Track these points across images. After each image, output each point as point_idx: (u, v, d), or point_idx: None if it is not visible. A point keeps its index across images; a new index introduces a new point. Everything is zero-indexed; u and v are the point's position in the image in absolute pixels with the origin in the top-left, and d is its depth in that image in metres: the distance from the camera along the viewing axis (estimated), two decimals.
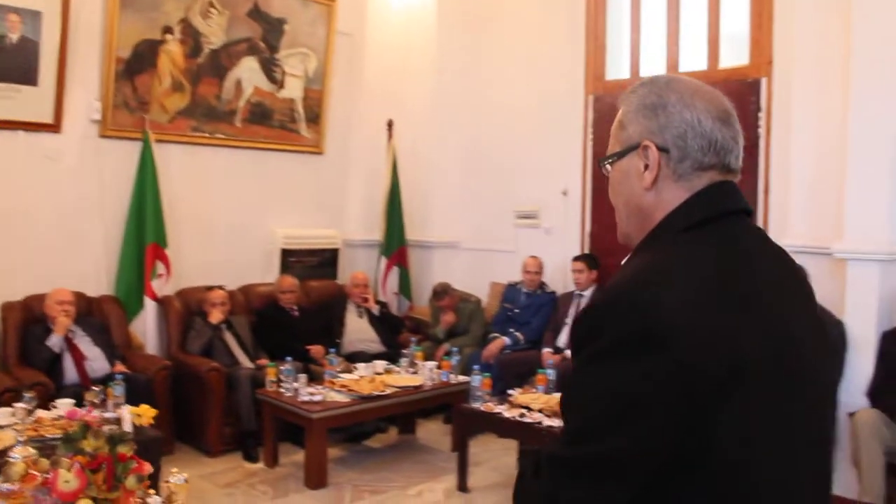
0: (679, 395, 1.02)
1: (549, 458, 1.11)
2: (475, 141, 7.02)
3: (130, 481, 2.68)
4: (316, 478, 4.60)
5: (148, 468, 2.91)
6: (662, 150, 1.21)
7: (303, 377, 4.88)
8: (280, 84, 6.35)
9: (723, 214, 1.19)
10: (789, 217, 4.97)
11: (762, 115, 5.28)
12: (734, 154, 1.22)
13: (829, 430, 1.25)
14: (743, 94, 5.35)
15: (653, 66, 5.96)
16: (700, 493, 1.05)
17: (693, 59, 5.72)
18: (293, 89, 6.44)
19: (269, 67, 6.25)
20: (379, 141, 6.95)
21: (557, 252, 6.52)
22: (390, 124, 6.86)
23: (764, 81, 5.29)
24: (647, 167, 1.22)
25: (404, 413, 5.53)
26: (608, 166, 1.31)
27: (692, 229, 1.17)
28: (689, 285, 1.07)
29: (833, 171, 4.70)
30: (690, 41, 5.75)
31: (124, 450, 2.70)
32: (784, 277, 1.22)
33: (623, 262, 1.27)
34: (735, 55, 5.51)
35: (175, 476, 2.90)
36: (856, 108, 4.48)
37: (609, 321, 1.07)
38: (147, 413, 3.04)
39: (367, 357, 5.76)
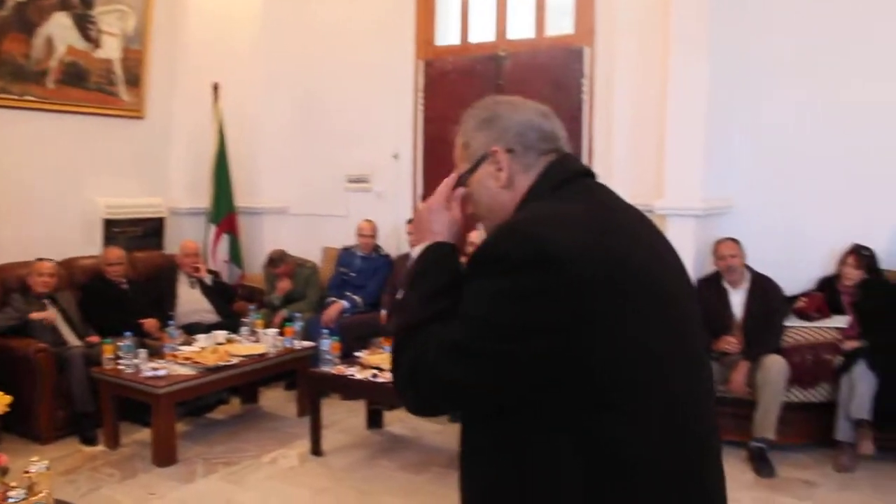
0: (572, 306, 1.17)
1: (449, 343, 1.22)
2: (304, 105, 6.94)
3: None
4: (165, 455, 4.46)
5: (6, 459, 2.74)
6: (508, 151, 1.40)
7: (143, 352, 4.69)
8: (96, 43, 5.92)
9: (574, 175, 1.40)
10: (612, 179, 5.34)
11: (585, 81, 5.62)
12: (563, 140, 1.45)
13: (704, 346, 1.42)
14: (568, 61, 5.67)
15: (482, 33, 6.15)
16: (589, 391, 1.20)
17: (520, 27, 5.97)
18: (110, 49, 6.03)
19: (84, 24, 5.81)
20: (204, 104, 6.67)
21: (389, 215, 6.64)
22: (216, 87, 6.61)
23: (588, 50, 5.62)
24: (499, 169, 1.40)
25: (248, 382, 5.45)
26: (464, 185, 1.46)
27: (554, 191, 1.36)
28: (568, 219, 1.25)
29: (652, 135, 5.14)
30: (518, 10, 5.98)
31: None
32: (639, 219, 1.41)
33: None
34: (561, 24, 5.81)
35: (36, 465, 2.74)
36: (674, 76, 4.91)
37: (508, 248, 1.22)
38: (2, 400, 2.82)
39: (203, 328, 5.60)
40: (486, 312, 1.20)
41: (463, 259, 1.37)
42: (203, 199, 6.75)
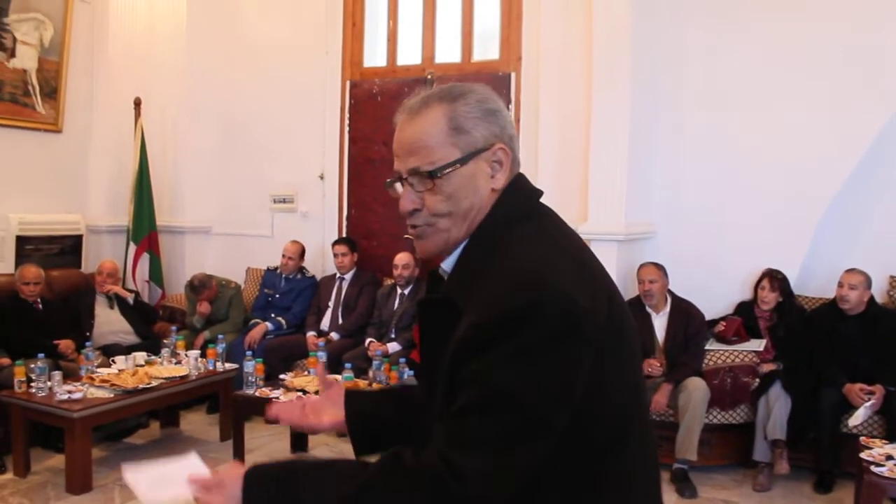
0: (589, 366, 1.16)
1: (481, 471, 1.12)
2: (229, 122, 6.84)
3: None
4: (80, 482, 4.27)
5: None
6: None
7: (57, 374, 4.50)
8: (10, 52, 5.71)
9: (537, 198, 1.34)
10: None
11: (512, 107, 5.69)
12: None
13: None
14: (495, 87, 5.63)
15: (409, 56, 6.19)
16: (597, 431, 1.21)
17: (448, 52, 6.02)
18: (26, 59, 5.82)
19: None
20: (125, 119, 6.49)
21: (315, 236, 6.58)
22: (138, 102, 6.45)
23: (513, 76, 5.71)
24: (496, 169, 1.29)
25: (168, 406, 5.29)
26: (438, 175, 1.26)
27: (530, 216, 1.30)
28: (569, 270, 1.19)
29: (577, 160, 5.23)
30: (446, 34, 6.04)
31: None
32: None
33: (466, 255, 1.30)
34: (487, 50, 5.89)
35: None
36: (597, 104, 5.02)
37: (528, 317, 1.12)
38: None
39: (122, 349, 5.43)
40: (529, 403, 1.12)
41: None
42: (123, 216, 6.56)
